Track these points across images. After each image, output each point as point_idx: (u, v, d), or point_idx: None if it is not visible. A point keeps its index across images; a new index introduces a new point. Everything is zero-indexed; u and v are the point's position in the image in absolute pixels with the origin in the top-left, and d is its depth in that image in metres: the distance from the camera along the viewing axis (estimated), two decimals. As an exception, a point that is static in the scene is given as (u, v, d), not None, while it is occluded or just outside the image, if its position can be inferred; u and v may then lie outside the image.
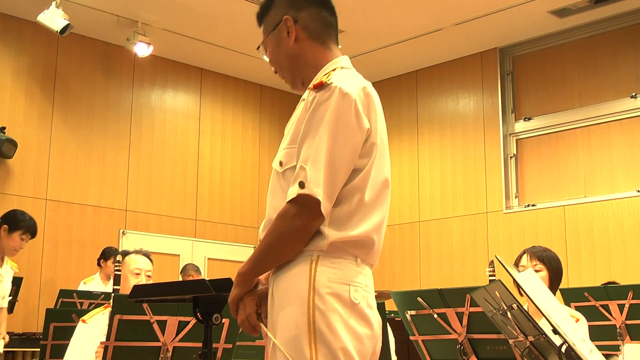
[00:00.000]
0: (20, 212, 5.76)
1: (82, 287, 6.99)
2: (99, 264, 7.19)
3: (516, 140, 8.60)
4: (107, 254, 7.06)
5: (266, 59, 2.38)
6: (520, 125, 8.58)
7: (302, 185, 1.95)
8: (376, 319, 2.04)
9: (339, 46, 2.29)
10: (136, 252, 4.02)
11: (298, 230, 1.95)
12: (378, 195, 2.05)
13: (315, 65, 2.23)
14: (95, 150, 8.23)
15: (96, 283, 7.01)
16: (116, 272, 3.66)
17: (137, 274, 3.90)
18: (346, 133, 2.00)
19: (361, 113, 2.05)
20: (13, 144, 7.50)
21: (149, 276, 3.96)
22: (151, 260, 4.03)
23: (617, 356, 4.03)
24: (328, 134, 1.99)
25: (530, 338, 2.16)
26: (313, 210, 1.94)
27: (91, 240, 8.00)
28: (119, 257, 3.91)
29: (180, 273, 7.98)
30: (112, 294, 3.36)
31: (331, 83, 2.06)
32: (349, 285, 1.97)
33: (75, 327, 3.68)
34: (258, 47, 2.37)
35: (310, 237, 1.96)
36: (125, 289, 3.95)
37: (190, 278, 7.81)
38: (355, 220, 1.99)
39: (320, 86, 2.07)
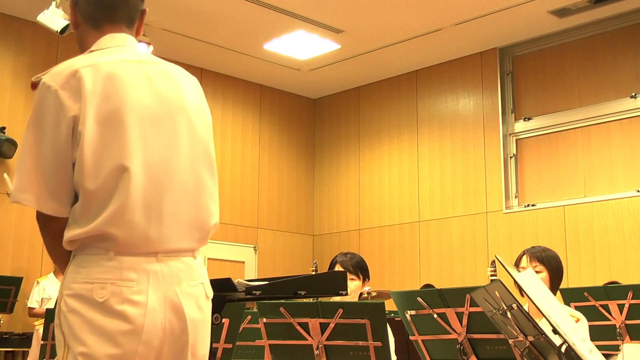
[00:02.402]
0: None
1: (36, 286, 6.97)
2: None
3: (516, 140, 8.60)
4: None
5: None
6: (520, 125, 8.58)
7: (10, 195, 1.92)
8: (141, 312, 1.84)
9: (135, 28, 2.12)
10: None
11: (46, 235, 1.94)
12: (108, 183, 1.86)
13: None
14: (95, 150, 8.23)
15: (49, 281, 7.01)
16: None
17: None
18: (47, 128, 1.88)
19: (63, 102, 1.87)
20: (13, 144, 7.51)
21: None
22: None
23: (617, 356, 4.04)
24: (32, 134, 1.89)
25: (530, 338, 2.16)
26: (40, 215, 1.90)
27: (91, 240, 7.99)
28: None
29: None
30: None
31: (40, 80, 1.94)
32: (94, 283, 1.85)
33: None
34: None
35: (62, 238, 1.90)
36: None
37: None
38: (91, 214, 1.86)
39: (34, 86, 1.96)
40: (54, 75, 1.92)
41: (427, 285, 7.64)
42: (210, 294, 2.03)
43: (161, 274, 1.89)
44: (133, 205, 1.87)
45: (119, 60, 1.97)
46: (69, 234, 1.88)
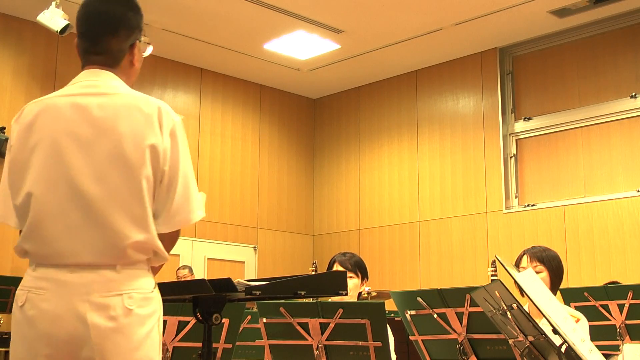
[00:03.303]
0: None
1: None
2: None
3: (516, 140, 8.60)
4: None
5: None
6: (520, 125, 8.58)
7: None
8: (47, 318, 2.06)
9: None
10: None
11: None
12: (23, 205, 2.14)
13: None
14: (95, 150, 8.23)
15: None
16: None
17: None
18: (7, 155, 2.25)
19: (12, 133, 2.26)
20: (13, 144, 7.50)
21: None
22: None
23: (617, 356, 4.03)
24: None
25: (530, 338, 2.16)
26: None
27: (91, 240, 7.99)
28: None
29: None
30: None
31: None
32: (22, 290, 2.14)
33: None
34: None
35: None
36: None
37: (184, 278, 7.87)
38: (23, 233, 2.17)
39: None
40: (17, 114, 2.29)
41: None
42: (134, 305, 2.09)
43: (71, 285, 2.07)
44: (41, 223, 2.11)
45: (60, 95, 2.22)
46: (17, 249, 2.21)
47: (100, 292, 2.06)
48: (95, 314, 2.04)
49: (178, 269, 8.08)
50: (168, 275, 8.37)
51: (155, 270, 2.24)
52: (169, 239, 2.23)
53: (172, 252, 2.30)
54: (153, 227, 2.15)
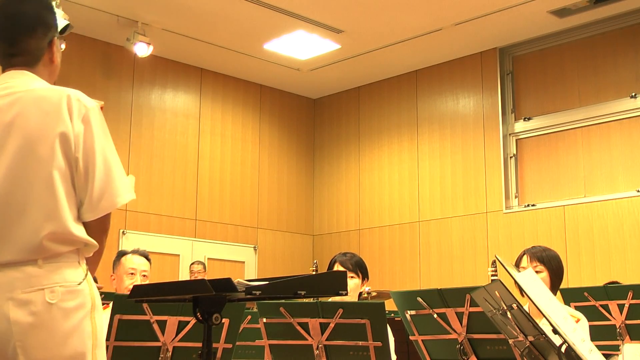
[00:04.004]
0: None
1: None
2: None
3: (516, 140, 8.60)
4: None
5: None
6: (520, 125, 8.58)
7: None
8: None
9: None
10: (133, 252, 4.01)
11: None
12: None
13: None
14: (95, 150, 8.23)
15: None
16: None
17: (132, 273, 3.90)
18: None
19: None
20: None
21: (144, 276, 3.95)
22: (149, 260, 4.02)
23: (617, 356, 4.03)
24: None
25: (530, 338, 2.16)
26: None
27: (91, 240, 8.00)
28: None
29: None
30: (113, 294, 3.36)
31: None
32: None
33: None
34: None
35: None
36: (121, 289, 3.95)
37: (192, 275, 7.93)
38: None
39: None
40: None
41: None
42: (56, 298, 2.09)
43: None
44: None
45: None
46: None
47: (23, 289, 2.06)
48: (17, 310, 2.05)
49: (192, 264, 8.15)
50: (169, 274, 8.38)
51: (92, 261, 2.23)
52: (98, 226, 2.22)
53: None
54: (69, 217, 2.14)
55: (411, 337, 3.24)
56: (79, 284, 2.13)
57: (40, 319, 2.06)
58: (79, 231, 2.16)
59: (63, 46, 2.53)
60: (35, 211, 2.12)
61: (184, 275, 8.66)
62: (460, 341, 3.04)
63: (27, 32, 2.28)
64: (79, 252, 2.17)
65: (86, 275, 2.17)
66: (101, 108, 2.34)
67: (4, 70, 2.31)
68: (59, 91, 2.20)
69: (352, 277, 3.79)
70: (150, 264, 4.02)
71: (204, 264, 8.18)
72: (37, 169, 2.14)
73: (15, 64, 2.29)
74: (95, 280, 2.37)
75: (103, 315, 3.59)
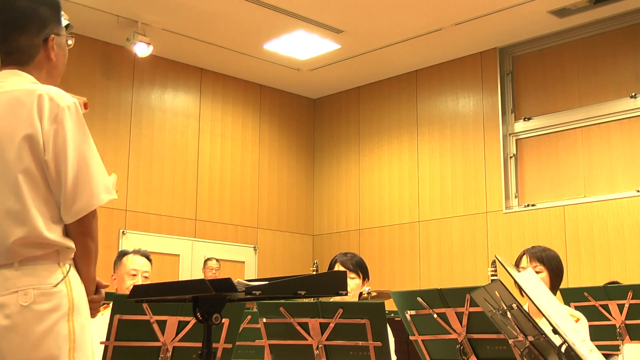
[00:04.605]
0: None
1: None
2: None
3: (516, 140, 8.60)
4: None
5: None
6: (520, 125, 8.58)
7: None
8: None
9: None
10: (134, 252, 4.00)
11: None
12: None
13: None
14: (95, 150, 8.23)
15: None
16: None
17: (134, 274, 3.89)
18: None
19: None
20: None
21: (146, 277, 3.94)
22: (150, 260, 4.01)
23: (617, 356, 4.03)
24: None
25: (530, 338, 2.16)
26: None
27: (91, 240, 7.99)
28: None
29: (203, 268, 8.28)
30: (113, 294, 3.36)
31: None
32: None
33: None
34: None
35: None
36: (122, 289, 3.94)
37: (209, 271, 8.00)
38: None
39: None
40: None
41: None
42: (29, 301, 2.07)
43: None
44: None
45: None
46: None
47: None
48: None
49: (208, 260, 8.29)
50: (169, 274, 8.38)
51: (81, 263, 2.19)
52: (77, 228, 2.15)
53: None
54: (39, 221, 2.09)
55: (411, 337, 3.24)
56: (54, 286, 2.09)
57: (13, 321, 2.04)
58: (54, 234, 2.11)
59: (70, 42, 2.45)
60: (2, 217, 2.09)
61: (184, 275, 8.66)
62: (460, 341, 3.04)
63: (18, 28, 2.23)
64: (58, 253, 2.12)
65: (65, 277, 2.12)
66: (85, 104, 2.30)
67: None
68: (33, 91, 2.15)
69: (352, 277, 3.79)
70: (151, 264, 4.02)
71: (219, 261, 8.31)
72: (3, 173, 2.11)
73: (9, 63, 2.24)
74: (100, 288, 2.32)
75: (99, 318, 3.59)
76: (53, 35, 2.28)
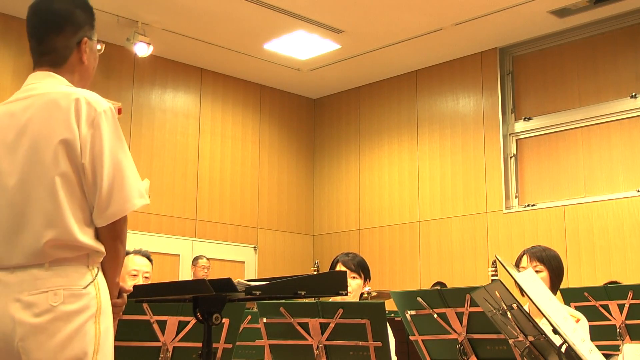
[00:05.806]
0: None
1: None
2: None
3: (516, 140, 8.60)
4: None
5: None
6: (520, 125, 8.58)
7: None
8: None
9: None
10: (135, 252, 4.00)
11: None
12: None
13: None
14: (95, 150, 8.23)
15: None
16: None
17: (135, 275, 3.89)
18: None
19: None
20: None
21: (146, 277, 3.94)
22: (151, 261, 4.01)
23: (617, 356, 4.03)
24: None
25: (530, 338, 2.16)
26: None
27: (91, 240, 8.00)
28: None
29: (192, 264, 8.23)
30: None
31: None
32: None
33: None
34: None
35: None
36: (122, 290, 3.94)
37: (201, 270, 7.99)
38: None
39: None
40: None
41: (438, 284, 7.63)
42: (58, 301, 2.09)
43: (8, 285, 2.11)
44: None
45: (4, 103, 2.27)
46: None
47: (29, 291, 2.08)
48: (23, 312, 2.07)
49: (198, 258, 8.25)
50: (169, 274, 8.38)
51: (108, 267, 2.21)
52: (109, 232, 2.17)
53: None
54: (73, 223, 2.12)
55: (411, 337, 3.24)
56: (83, 288, 2.12)
57: (42, 321, 2.07)
58: (86, 237, 2.13)
59: (100, 47, 2.47)
60: (37, 217, 2.12)
61: (184, 275, 8.66)
62: (460, 341, 3.04)
63: (54, 30, 2.27)
64: (88, 256, 2.15)
65: (94, 279, 2.15)
66: (119, 110, 2.33)
67: (33, 69, 2.31)
68: (69, 95, 2.18)
69: (354, 277, 3.79)
70: (152, 264, 4.02)
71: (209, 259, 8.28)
72: (40, 175, 2.14)
73: (43, 63, 2.29)
74: (123, 292, 2.32)
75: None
76: (86, 38, 2.32)
